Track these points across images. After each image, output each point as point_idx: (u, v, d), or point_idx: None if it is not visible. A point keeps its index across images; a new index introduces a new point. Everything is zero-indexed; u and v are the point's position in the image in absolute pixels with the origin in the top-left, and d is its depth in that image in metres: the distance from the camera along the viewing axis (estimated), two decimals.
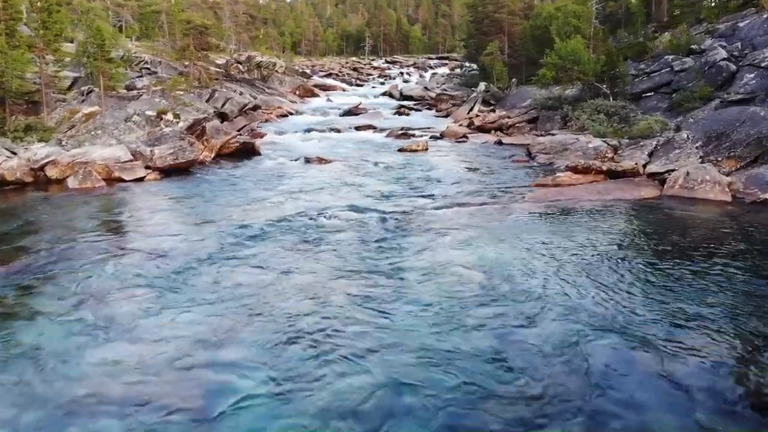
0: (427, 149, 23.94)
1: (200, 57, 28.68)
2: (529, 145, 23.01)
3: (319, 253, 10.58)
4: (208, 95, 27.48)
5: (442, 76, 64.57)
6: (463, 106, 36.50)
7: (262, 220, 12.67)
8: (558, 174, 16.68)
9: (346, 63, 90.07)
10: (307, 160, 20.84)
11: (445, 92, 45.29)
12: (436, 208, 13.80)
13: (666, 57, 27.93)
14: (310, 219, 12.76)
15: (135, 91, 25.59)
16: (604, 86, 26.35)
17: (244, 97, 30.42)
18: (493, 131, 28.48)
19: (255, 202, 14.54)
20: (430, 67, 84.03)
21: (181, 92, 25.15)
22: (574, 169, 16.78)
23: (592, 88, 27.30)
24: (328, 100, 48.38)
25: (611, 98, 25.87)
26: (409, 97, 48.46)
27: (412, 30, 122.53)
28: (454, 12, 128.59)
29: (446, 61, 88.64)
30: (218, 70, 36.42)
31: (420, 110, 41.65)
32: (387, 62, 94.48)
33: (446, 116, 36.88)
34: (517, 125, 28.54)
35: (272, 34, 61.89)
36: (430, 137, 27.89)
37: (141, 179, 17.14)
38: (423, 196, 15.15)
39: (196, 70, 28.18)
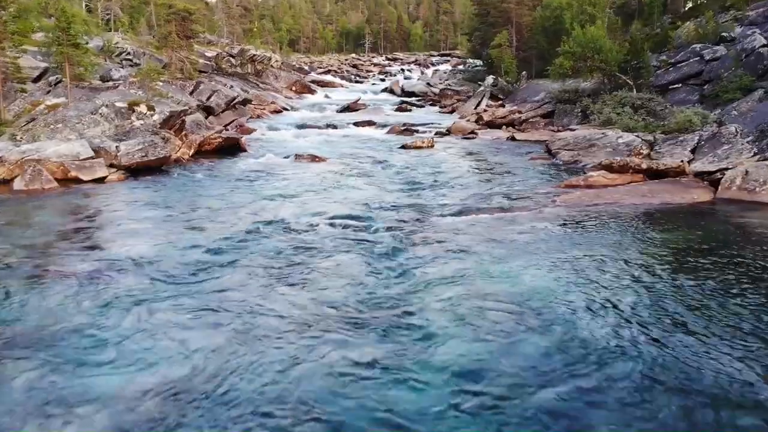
0: (433, 146, 21.51)
1: (184, 46, 26.28)
2: (547, 141, 20.55)
3: (301, 284, 8.04)
4: (193, 87, 25.06)
5: (445, 73, 62.14)
6: (469, 101, 34.06)
7: (233, 235, 10.19)
8: (590, 174, 14.24)
9: (346, 60, 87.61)
10: (298, 158, 18.40)
11: (449, 87, 42.82)
12: (450, 216, 11.34)
13: (693, 46, 25.46)
14: (294, 232, 10.29)
15: (111, 83, 23.15)
16: (627, 77, 23.91)
17: (233, 90, 27.97)
18: (504, 127, 26.04)
19: (229, 210, 12.07)
20: (432, 64, 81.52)
21: (162, 83, 22.70)
22: (609, 168, 14.34)
23: (612, 79, 24.86)
24: (326, 96, 45.96)
25: (634, 90, 23.43)
26: (411, 94, 45.98)
27: (413, 27, 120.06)
28: (456, 9, 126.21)
29: (448, 58, 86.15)
30: (207, 62, 33.98)
31: (423, 106, 39.21)
32: (387, 59, 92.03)
33: (451, 112, 34.48)
34: (530, 120, 26.09)
35: (268, 27, 59.39)
36: (436, 134, 25.46)
37: (102, 179, 14.70)
38: (432, 202, 12.70)
39: (179, 60, 25.79)
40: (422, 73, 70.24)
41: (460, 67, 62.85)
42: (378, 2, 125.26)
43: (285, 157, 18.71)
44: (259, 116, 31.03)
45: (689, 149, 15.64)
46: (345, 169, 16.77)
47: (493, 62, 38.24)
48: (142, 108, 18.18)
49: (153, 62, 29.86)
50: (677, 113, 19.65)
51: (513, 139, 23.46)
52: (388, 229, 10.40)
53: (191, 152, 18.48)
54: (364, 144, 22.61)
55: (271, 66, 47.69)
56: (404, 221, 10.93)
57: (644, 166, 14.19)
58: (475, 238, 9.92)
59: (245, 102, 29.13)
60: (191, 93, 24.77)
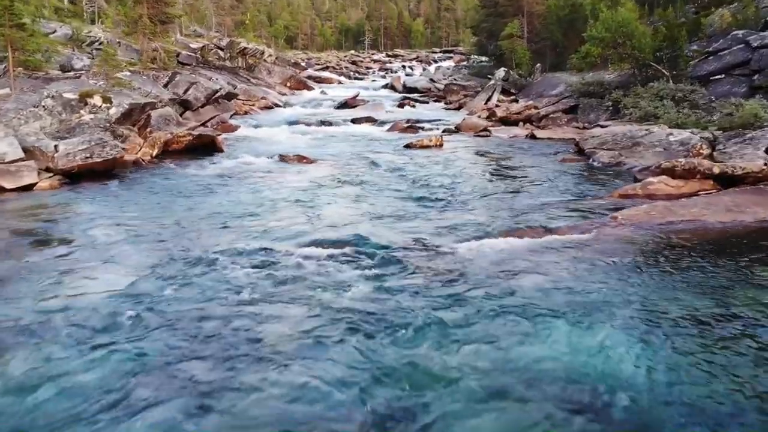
0: (441, 145, 18.48)
1: (158, 32, 23.27)
2: (576, 139, 17.55)
3: (263, 365, 5.04)
4: (168, 79, 22.03)
5: (448, 69, 59.16)
6: (478, 96, 31.03)
7: (170, 272, 7.15)
8: (649, 180, 11.19)
9: (345, 57, 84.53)
10: (283, 159, 15.39)
11: (454, 82, 39.76)
12: (473, 240, 8.30)
13: (734, 33, 22.45)
14: (259, 268, 7.19)
15: (72, 73, 20.14)
16: (662, 67, 20.89)
17: (215, 83, 24.94)
18: (521, 124, 23.01)
19: (179, 230, 9.04)
20: (434, 61, 78.46)
21: (130, 73, 19.74)
22: (670, 172, 11.31)
23: (643, 70, 21.84)
24: (323, 92, 42.90)
25: (670, 81, 20.41)
26: (414, 90, 42.96)
27: (413, 24, 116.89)
28: (457, 6, 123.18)
29: (451, 55, 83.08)
30: (191, 54, 30.95)
31: (427, 102, 36.18)
32: (388, 56, 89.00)
33: (458, 108, 31.46)
34: (550, 116, 23.06)
35: (261, 20, 56.34)
36: (444, 131, 22.45)
37: (30, 187, 11.68)
38: (447, 218, 9.65)
39: (153, 49, 22.75)
40: (424, 69, 67.15)
41: (464, 63, 59.96)
42: None
43: (268, 158, 15.70)
44: (246, 112, 28.02)
45: (763, 148, 12.62)
46: (338, 173, 13.75)
47: (504, 54, 35.25)
48: (96, 100, 15.17)
49: (131, 54, 26.89)
50: (728, 106, 16.69)
51: (533, 137, 20.45)
52: (389, 262, 7.34)
53: (155, 152, 15.46)
54: (363, 143, 19.60)
55: (264, 60, 44.66)
56: (411, 248, 7.89)
57: (716, 170, 11.16)
58: (510, 276, 6.89)
59: (230, 96, 26.11)
60: (165, 85, 21.75)
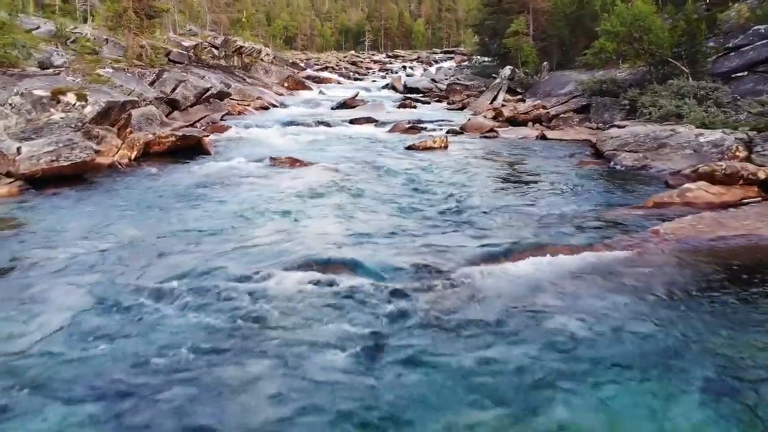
0: (447, 147, 17.16)
1: (144, 27, 21.95)
2: (593, 140, 16.25)
3: None
4: (154, 76, 20.71)
5: (450, 69, 57.92)
6: (482, 96, 29.73)
7: (122, 300, 5.82)
8: (686, 186, 9.84)
9: (344, 57, 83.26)
10: (274, 163, 14.05)
11: (457, 82, 38.46)
12: (491, 261, 6.95)
13: (756, 28, 21.21)
14: (228, 299, 5.80)
15: (51, 69, 18.82)
16: (681, 63, 19.56)
17: (206, 82, 23.62)
18: (530, 124, 21.68)
19: (143, 247, 7.68)
20: (435, 62, 77.24)
21: (113, 69, 18.43)
22: (710, 178, 9.98)
23: (660, 67, 20.51)
24: (321, 92, 41.64)
25: (689, 79, 19.09)
26: (415, 90, 41.63)
27: (414, 24, 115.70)
28: (458, 6, 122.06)
29: (452, 55, 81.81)
30: (183, 52, 29.65)
31: (428, 102, 34.84)
32: (388, 56, 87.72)
33: (461, 108, 30.14)
34: (561, 116, 21.74)
35: (260, 19, 55.04)
36: (448, 132, 21.12)
37: None
38: (458, 232, 8.29)
39: (139, 45, 21.41)
40: (425, 70, 65.93)
41: (466, 63, 58.72)
42: None
43: (258, 161, 14.36)
44: (240, 113, 26.68)
45: None
46: (333, 177, 12.39)
47: (508, 53, 33.94)
48: (70, 97, 13.84)
49: (117, 51, 25.59)
50: (756, 105, 15.41)
51: (544, 137, 19.12)
52: (388, 295, 5.97)
53: (134, 155, 14.13)
54: (362, 144, 18.28)
55: (261, 60, 43.41)
56: (414, 274, 6.53)
57: (762, 175, 9.83)
58: (537, 313, 5.53)
59: (222, 96, 24.78)
60: (152, 83, 20.43)
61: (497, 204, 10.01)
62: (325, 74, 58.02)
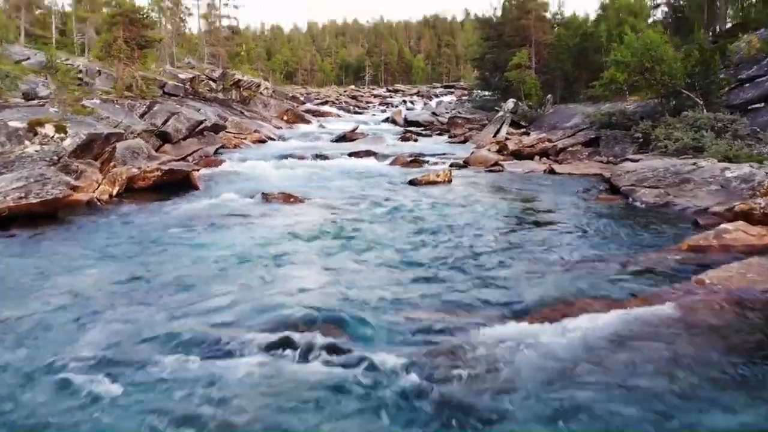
0: (451, 181, 16.19)
1: (136, 57, 21.24)
2: (603, 175, 15.35)
3: None
4: (145, 108, 19.90)
5: (450, 103, 57.64)
6: (485, 129, 28.97)
7: (56, 371, 4.71)
8: (723, 227, 8.77)
9: (344, 91, 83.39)
10: (267, 199, 13.04)
11: (459, 115, 37.86)
12: (511, 320, 5.84)
13: None
14: (192, 381, 4.72)
15: (36, 100, 18.02)
16: (694, 95, 18.75)
17: (201, 114, 22.84)
18: (536, 157, 20.78)
19: (105, 308, 6.56)
20: (435, 96, 77.16)
21: (99, 101, 17.62)
22: (747, 217, 8.95)
23: (671, 98, 19.72)
24: (321, 126, 41.02)
25: (704, 110, 18.27)
26: (416, 123, 41.01)
27: (414, 60, 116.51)
28: (457, 42, 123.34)
29: (452, 90, 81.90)
30: (179, 84, 29.02)
31: (430, 136, 34.13)
32: (389, 90, 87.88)
33: (463, 142, 29.36)
34: (569, 149, 20.85)
35: (260, 53, 54.91)
36: (451, 165, 20.21)
37: None
38: (468, 284, 7.19)
39: (130, 76, 20.67)
40: (425, 104, 65.74)
41: (466, 97, 58.51)
42: (378, 35, 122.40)
43: (249, 197, 13.35)
44: (236, 146, 25.89)
45: None
46: (328, 216, 11.37)
47: (510, 86, 33.36)
48: (48, 129, 12.94)
49: (111, 83, 24.90)
50: None
51: (552, 172, 18.17)
52: (392, 370, 4.84)
53: (115, 190, 13.13)
54: (361, 178, 17.32)
55: (260, 93, 43.00)
56: (417, 340, 5.41)
57: None
58: (569, 397, 4.42)
59: (217, 129, 23.98)
60: (142, 115, 19.61)
61: (512, 248, 8.95)
62: (325, 108, 57.72)
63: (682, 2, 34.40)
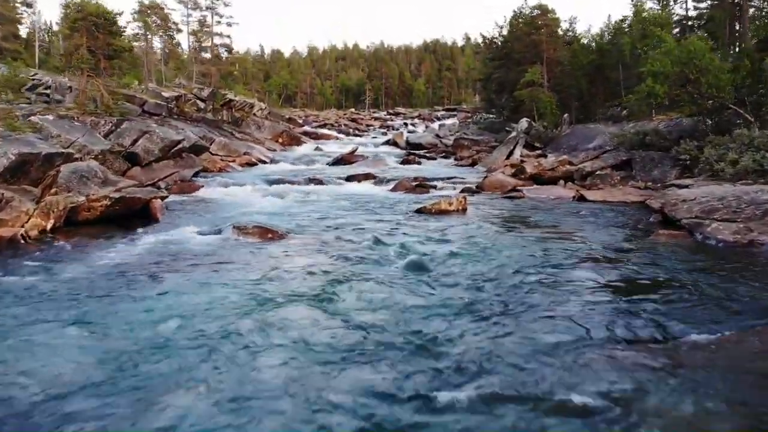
0: (465, 210, 13.55)
1: (102, 68, 18.75)
2: (651, 205, 12.71)
3: None
4: (111, 126, 17.34)
5: (453, 126, 55.39)
6: (497, 150, 26.44)
7: None
8: None
9: (344, 114, 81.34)
10: (237, 234, 10.35)
11: (465, 137, 35.41)
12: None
13: None
14: None
15: None
16: (744, 110, 16.23)
17: (179, 133, 20.30)
18: (562, 182, 18.17)
19: None
20: (437, 119, 75.10)
21: (53, 117, 15.07)
22: None
23: (715, 115, 17.22)
24: (317, 148, 38.52)
25: (756, 129, 15.74)
26: (418, 146, 38.52)
27: (415, 83, 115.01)
28: (458, 66, 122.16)
29: (455, 113, 79.86)
30: (161, 103, 26.59)
31: (434, 158, 31.57)
32: (389, 113, 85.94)
33: (471, 165, 26.83)
34: (597, 173, 18.24)
35: (255, 73, 52.73)
36: (463, 191, 17.64)
37: None
38: (510, 379, 4.49)
39: (94, 87, 18.10)
40: (427, 127, 63.60)
41: (470, 120, 56.33)
42: (379, 59, 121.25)
43: (216, 232, 10.66)
44: (221, 169, 23.33)
45: None
46: (315, 260, 8.66)
47: (521, 105, 30.96)
48: None
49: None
50: None
51: (582, 199, 15.55)
52: None
53: (50, 224, 10.48)
54: (359, 206, 14.69)
55: (254, 114, 40.68)
56: None
57: None
58: None
59: (198, 150, 21.43)
60: (107, 134, 17.05)
61: (563, 312, 6.23)
62: (323, 131, 55.47)
63: (702, 20, 32.29)
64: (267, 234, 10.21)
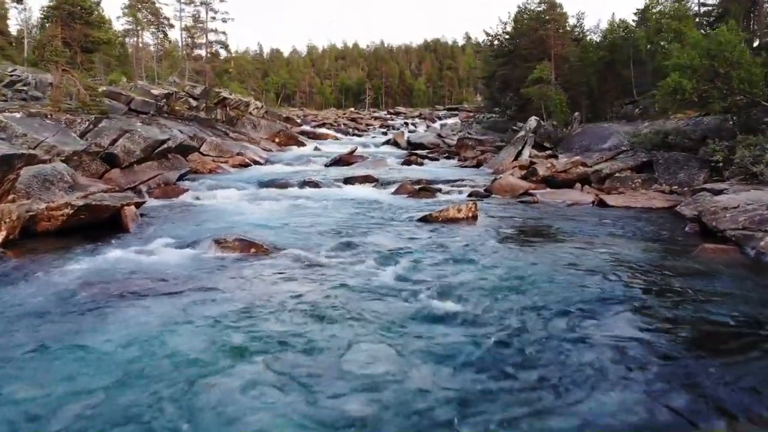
0: (476, 217, 12.17)
1: (80, 61, 17.36)
2: (683, 212, 11.35)
3: None
4: (89, 125, 15.95)
5: (455, 125, 54.01)
6: (504, 151, 25.02)
7: None
8: None
9: (344, 114, 79.87)
10: (217, 249, 8.94)
11: (469, 136, 34.02)
12: None
13: None
14: None
15: None
16: None
17: (165, 133, 18.91)
18: (578, 185, 16.78)
19: None
20: (438, 118, 73.69)
21: (20, 115, 13.70)
22: None
23: (743, 112, 15.83)
24: (316, 149, 37.11)
25: None
26: (420, 146, 37.14)
27: (416, 83, 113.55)
28: (459, 65, 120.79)
29: (456, 112, 78.40)
30: (150, 101, 25.19)
31: (437, 159, 30.13)
32: (389, 113, 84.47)
33: (477, 166, 25.47)
34: (616, 175, 16.83)
35: (252, 71, 51.31)
36: (471, 195, 16.29)
37: None
38: None
39: (71, 82, 16.70)
40: (428, 126, 62.22)
41: (471, 120, 54.94)
42: (379, 58, 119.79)
43: (192, 246, 9.25)
44: (212, 171, 21.93)
45: None
46: (303, 282, 7.27)
47: (528, 103, 29.56)
48: None
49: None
50: None
51: (602, 204, 14.17)
52: None
53: (1, 237, 9.08)
54: (358, 212, 13.31)
55: (250, 113, 39.27)
56: None
57: None
58: None
59: (186, 150, 20.05)
60: (84, 133, 15.66)
61: (610, 338, 4.86)
62: (322, 130, 54.06)
63: (711, 16, 30.88)
64: (250, 248, 8.81)
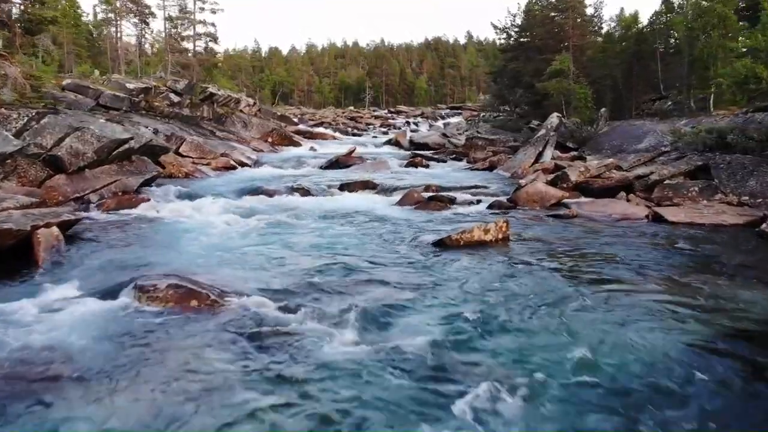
0: (507, 239, 9.36)
1: (19, 44, 14.51)
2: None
3: None
4: (28, 120, 13.14)
5: (459, 124, 51.22)
6: (521, 152, 22.16)
7: None
8: None
9: (343, 112, 76.98)
10: (144, 299, 6.10)
11: (478, 136, 31.12)
12: None
13: None
14: None
15: None
16: None
17: (126, 130, 16.06)
18: (622, 194, 13.91)
19: None
20: (441, 117, 70.93)
21: None
22: None
23: None
24: (312, 149, 34.30)
25: None
26: (424, 146, 34.30)
27: (417, 81, 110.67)
28: (461, 63, 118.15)
29: (460, 111, 75.58)
30: (124, 96, 22.37)
31: (444, 161, 27.24)
32: (390, 112, 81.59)
33: (489, 169, 22.61)
34: (666, 182, 13.94)
35: (244, 66, 48.43)
36: (491, 206, 13.46)
37: None
38: None
39: (14, 69, 13.89)
40: (431, 125, 59.43)
41: (476, 118, 52.14)
42: (379, 55, 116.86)
43: (111, 295, 6.39)
44: (188, 174, 19.12)
45: None
46: (258, 369, 4.44)
47: (545, 99, 26.71)
48: None
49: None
50: None
51: (659, 219, 11.35)
52: None
53: None
54: (354, 233, 10.47)
55: (241, 111, 36.47)
56: None
57: None
58: None
59: (156, 151, 17.22)
60: (20, 132, 12.83)
61: None
62: (319, 129, 51.23)
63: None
64: (189, 299, 5.95)
